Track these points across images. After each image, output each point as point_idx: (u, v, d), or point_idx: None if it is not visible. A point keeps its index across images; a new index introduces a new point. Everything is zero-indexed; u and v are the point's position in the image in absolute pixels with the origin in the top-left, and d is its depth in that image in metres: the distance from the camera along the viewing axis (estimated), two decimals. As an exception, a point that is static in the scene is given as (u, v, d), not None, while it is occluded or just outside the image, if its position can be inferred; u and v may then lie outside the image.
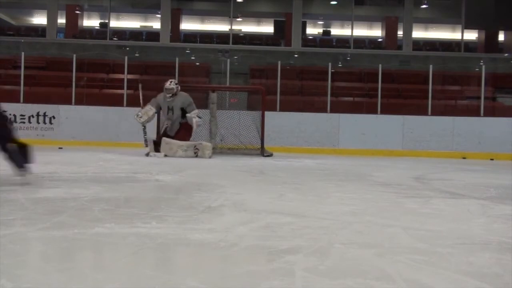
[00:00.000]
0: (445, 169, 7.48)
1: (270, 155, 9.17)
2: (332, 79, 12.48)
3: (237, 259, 1.92)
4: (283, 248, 2.03)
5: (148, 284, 1.55)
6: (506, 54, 19.07)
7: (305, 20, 20.33)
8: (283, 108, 11.95)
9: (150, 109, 8.35)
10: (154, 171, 5.37)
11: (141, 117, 8.32)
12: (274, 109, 11.50)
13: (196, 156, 7.90)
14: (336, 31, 22.52)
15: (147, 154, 7.95)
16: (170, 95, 8.26)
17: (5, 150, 3.85)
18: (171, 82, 8.51)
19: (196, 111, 8.34)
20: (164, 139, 8.04)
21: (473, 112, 12.69)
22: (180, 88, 8.44)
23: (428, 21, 21.89)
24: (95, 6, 20.62)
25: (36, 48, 16.39)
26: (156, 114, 8.51)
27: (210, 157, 7.83)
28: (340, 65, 17.04)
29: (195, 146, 7.97)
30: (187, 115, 8.27)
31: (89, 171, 4.87)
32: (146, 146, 8.25)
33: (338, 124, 11.50)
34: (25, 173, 3.90)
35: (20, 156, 3.90)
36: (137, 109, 8.51)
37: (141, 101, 8.45)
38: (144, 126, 8.40)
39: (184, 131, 8.35)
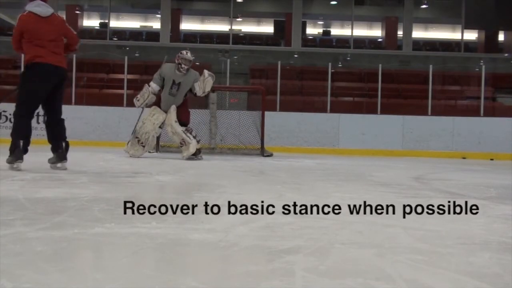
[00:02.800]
0: (445, 169, 7.48)
1: (270, 155, 9.17)
2: (332, 79, 12.49)
3: (237, 259, 1.92)
4: (283, 248, 2.03)
5: (148, 284, 1.55)
6: (506, 54, 19.08)
7: (305, 20, 20.34)
8: (283, 108, 11.97)
9: (146, 90, 7.38)
10: (154, 171, 5.37)
11: (138, 100, 7.45)
12: (274, 109, 11.52)
13: (179, 147, 7.34)
14: (336, 31, 22.53)
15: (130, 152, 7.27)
16: (187, 67, 7.32)
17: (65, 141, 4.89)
18: (187, 52, 7.49)
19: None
20: (172, 106, 7.24)
21: (473, 112, 12.71)
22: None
23: (428, 21, 21.91)
24: (95, 6, 20.65)
25: (36, 48, 16.37)
26: (155, 96, 7.41)
27: (183, 158, 7.17)
28: (340, 65, 17.06)
29: (183, 139, 7.17)
30: (205, 71, 7.48)
31: (89, 171, 4.87)
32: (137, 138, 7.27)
33: (338, 124, 11.51)
34: (65, 163, 4.82)
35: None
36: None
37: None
38: (142, 109, 7.65)
39: (185, 108, 7.43)
